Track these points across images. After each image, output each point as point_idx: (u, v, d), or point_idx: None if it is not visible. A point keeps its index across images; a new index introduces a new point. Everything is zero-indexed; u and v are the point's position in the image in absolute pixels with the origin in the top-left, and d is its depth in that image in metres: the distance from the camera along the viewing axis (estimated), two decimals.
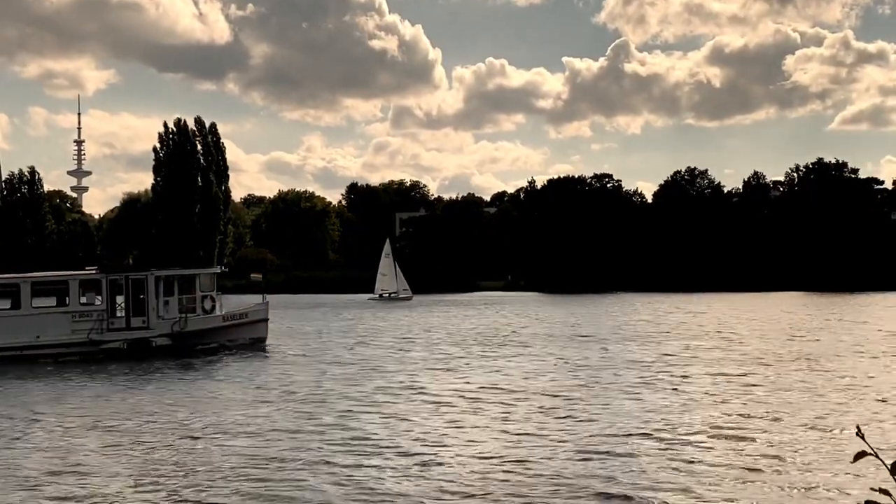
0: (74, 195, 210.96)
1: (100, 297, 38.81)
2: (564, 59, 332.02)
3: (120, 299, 39.01)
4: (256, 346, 40.94)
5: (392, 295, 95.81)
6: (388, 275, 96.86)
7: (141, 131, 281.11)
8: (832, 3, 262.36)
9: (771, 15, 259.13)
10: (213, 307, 41.12)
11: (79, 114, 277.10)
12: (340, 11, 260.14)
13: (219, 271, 42.63)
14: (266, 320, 42.83)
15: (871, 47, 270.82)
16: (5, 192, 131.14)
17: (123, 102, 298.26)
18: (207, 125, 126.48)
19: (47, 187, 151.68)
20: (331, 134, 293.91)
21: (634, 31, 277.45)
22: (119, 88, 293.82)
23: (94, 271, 40.22)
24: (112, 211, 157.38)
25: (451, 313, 68.73)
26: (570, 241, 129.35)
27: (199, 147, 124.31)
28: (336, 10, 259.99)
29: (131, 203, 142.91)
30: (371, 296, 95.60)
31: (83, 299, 38.61)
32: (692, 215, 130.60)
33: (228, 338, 40.95)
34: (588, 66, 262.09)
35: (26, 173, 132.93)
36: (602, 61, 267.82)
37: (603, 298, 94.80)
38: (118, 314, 38.80)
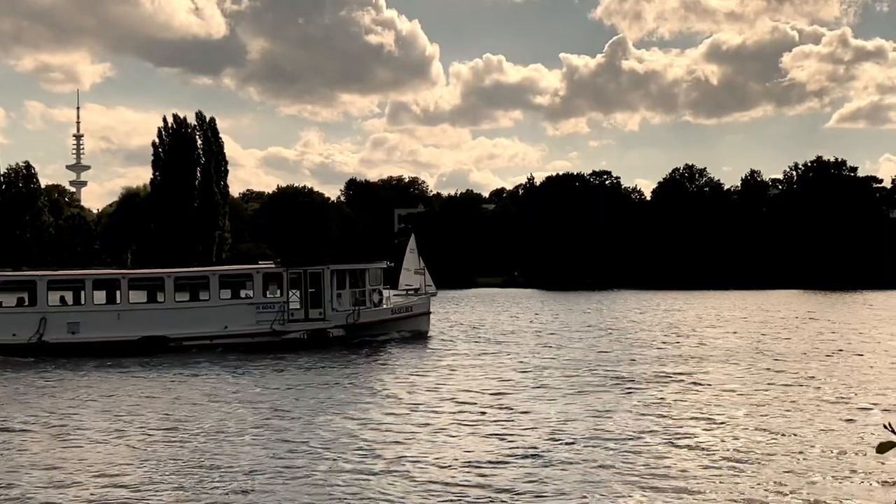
0: (73, 190, 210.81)
1: (279, 290, 39.99)
2: (562, 55, 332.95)
3: (293, 291, 40.33)
4: (420, 338, 42.14)
5: (417, 291, 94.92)
6: (411, 270, 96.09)
7: (138, 126, 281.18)
8: (830, 1, 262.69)
9: (768, 12, 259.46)
10: (381, 300, 42.70)
11: (77, 108, 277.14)
12: (337, 6, 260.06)
13: (385, 266, 43.66)
14: (428, 314, 45.04)
15: (870, 45, 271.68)
16: (3, 187, 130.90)
17: (120, 97, 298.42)
18: (207, 120, 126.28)
19: (46, 182, 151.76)
20: (328, 129, 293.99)
21: (631, 28, 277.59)
22: (115, 83, 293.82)
23: (273, 265, 41.27)
24: (111, 206, 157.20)
25: (482, 308, 68.92)
26: (569, 238, 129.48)
27: (199, 142, 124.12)
28: (332, 4, 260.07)
29: (130, 198, 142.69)
30: (396, 292, 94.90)
31: (266, 292, 39.78)
32: (691, 213, 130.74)
33: (395, 330, 42.25)
34: (585, 63, 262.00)
35: (22, 168, 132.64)
36: (599, 58, 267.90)
37: (600, 295, 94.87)
38: (292, 306, 40.11)
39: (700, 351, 36.17)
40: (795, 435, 19.14)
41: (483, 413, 22.24)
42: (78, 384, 28.69)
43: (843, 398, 24.01)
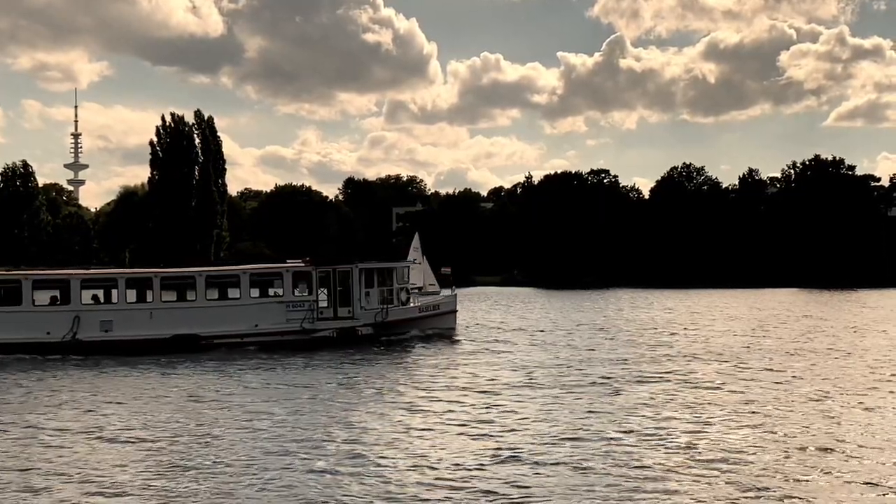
0: (71, 188, 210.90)
1: (308, 288, 40.32)
2: (559, 53, 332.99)
3: (321, 290, 40.57)
4: (447, 336, 42.35)
5: (421, 289, 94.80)
6: (416, 269, 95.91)
7: (136, 124, 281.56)
8: None
9: (766, 10, 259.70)
10: (408, 299, 43.17)
11: (76, 107, 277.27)
12: (334, 5, 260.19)
13: (412, 264, 44.05)
14: (455, 312, 45.42)
15: (867, 43, 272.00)
16: (1, 186, 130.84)
17: (117, 95, 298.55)
18: (206, 118, 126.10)
19: (43, 181, 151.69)
20: (326, 128, 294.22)
21: (628, 26, 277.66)
22: (112, 81, 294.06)
23: (302, 263, 41.33)
24: (109, 204, 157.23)
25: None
26: (568, 236, 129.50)
27: (198, 141, 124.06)
28: (330, 3, 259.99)
29: (128, 197, 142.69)
30: None
31: (295, 290, 39.95)
32: (689, 212, 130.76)
33: (422, 328, 42.60)
34: (583, 62, 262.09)
35: (19, 167, 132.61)
36: (597, 56, 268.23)
37: (597, 294, 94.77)
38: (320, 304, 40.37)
39: (691, 350, 36.12)
40: (780, 434, 19.12)
41: (469, 413, 22.17)
42: (62, 384, 28.61)
43: (829, 397, 23.99)
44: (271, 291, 40.24)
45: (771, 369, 29.84)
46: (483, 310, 66.58)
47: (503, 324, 52.19)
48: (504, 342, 40.52)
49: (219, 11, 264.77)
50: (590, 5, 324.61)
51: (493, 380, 28.05)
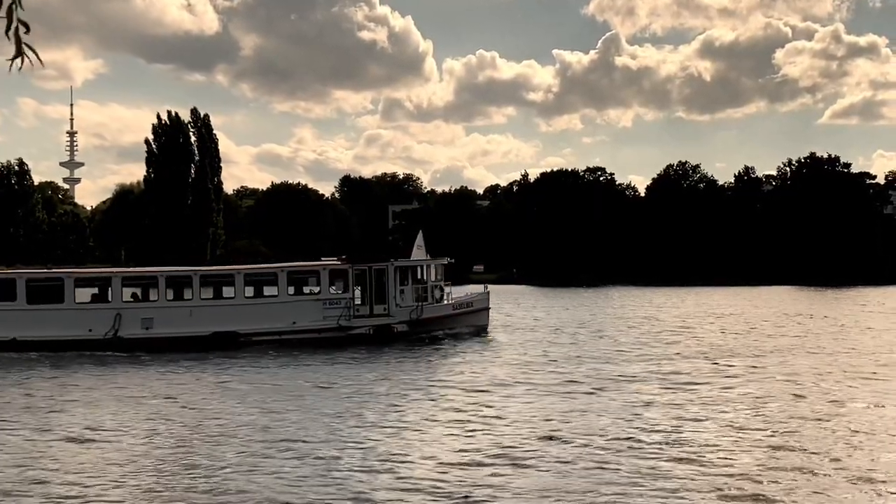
0: (66, 187, 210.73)
1: (344, 286, 40.59)
2: (555, 51, 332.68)
3: (356, 287, 40.85)
4: (480, 333, 42.64)
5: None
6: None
7: (131, 122, 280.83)
8: None
9: (761, 8, 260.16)
10: (442, 296, 43.46)
11: (71, 105, 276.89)
12: (329, 2, 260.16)
13: (446, 262, 44.41)
14: (488, 309, 45.61)
15: (862, 41, 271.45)
16: None
17: (112, 93, 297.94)
18: (202, 116, 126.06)
19: (39, 179, 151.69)
20: (322, 126, 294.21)
21: (624, 24, 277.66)
22: (108, 79, 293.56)
23: (339, 261, 41.66)
24: (104, 202, 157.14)
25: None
26: (564, 234, 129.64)
27: (194, 139, 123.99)
28: (325, 1, 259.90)
29: (124, 195, 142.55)
30: None
31: (332, 288, 40.47)
32: (685, 209, 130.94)
33: (456, 325, 42.91)
34: (579, 59, 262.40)
35: (14, 165, 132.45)
36: (592, 54, 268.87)
37: (591, 292, 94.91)
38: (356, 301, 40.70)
39: (678, 348, 36.13)
40: (764, 432, 19.12)
41: (451, 412, 22.14)
42: (52, 383, 28.58)
43: (813, 394, 23.98)
44: (307, 289, 40.61)
45: (755, 367, 29.89)
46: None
47: (493, 322, 52.26)
48: (492, 340, 40.54)
49: (214, 9, 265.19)
50: (585, 3, 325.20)
51: (477, 376, 28.04)
